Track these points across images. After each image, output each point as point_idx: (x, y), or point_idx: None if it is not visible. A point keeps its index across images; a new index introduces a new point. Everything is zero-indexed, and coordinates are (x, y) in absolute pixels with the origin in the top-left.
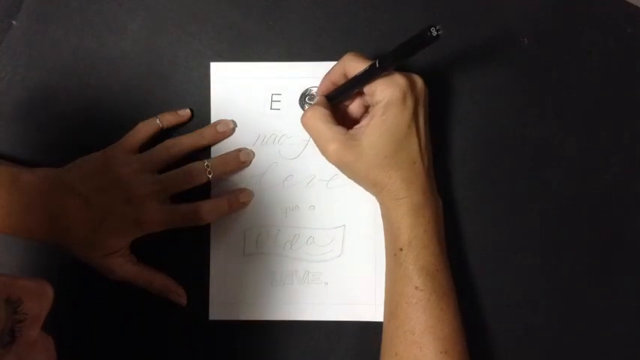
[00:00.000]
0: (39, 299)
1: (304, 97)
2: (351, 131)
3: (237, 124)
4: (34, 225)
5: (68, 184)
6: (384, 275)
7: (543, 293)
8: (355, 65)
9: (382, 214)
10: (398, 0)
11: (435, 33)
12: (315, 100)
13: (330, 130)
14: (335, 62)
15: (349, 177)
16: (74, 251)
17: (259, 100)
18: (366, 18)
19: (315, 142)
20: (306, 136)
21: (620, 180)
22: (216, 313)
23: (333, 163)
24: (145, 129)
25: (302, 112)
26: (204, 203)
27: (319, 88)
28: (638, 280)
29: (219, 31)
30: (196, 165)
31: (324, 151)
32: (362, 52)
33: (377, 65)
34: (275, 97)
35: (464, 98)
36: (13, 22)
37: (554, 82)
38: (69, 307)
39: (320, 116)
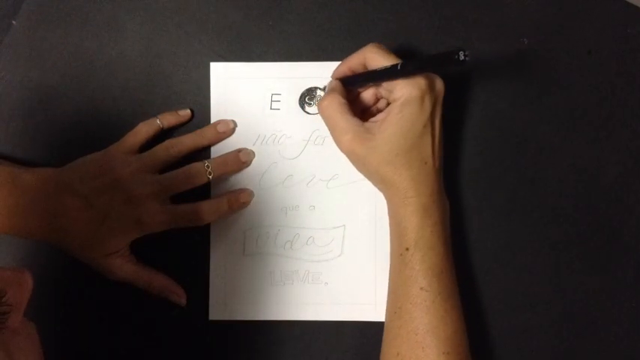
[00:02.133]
0: (19, 288)
1: (304, 97)
2: (367, 124)
3: (237, 124)
4: (34, 225)
5: (68, 184)
6: (384, 275)
7: (543, 293)
8: (376, 58)
9: (389, 212)
10: (398, 0)
11: (462, 57)
12: (330, 83)
13: (346, 121)
14: (334, 62)
15: (359, 170)
16: (74, 251)
17: (259, 100)
18: (366, 18)
19: (330, 130)
20: (306, 136)
21: (620, 180)
22: (216, 313)
23: (345, 154)
24: (145, 129)
25: (302, 112)
26: (204, 203)
27: (335, 71)
28: (638, 280)
29: (219, 31)
30: (196, 165)
31: (337, 141)
32: (384, 45)
33: (398, 68)
34: (275, 97)
35: (464, 98)
36: (13, 22)
37: (554, 82)
38: (69, 307)
39: (337, 106)
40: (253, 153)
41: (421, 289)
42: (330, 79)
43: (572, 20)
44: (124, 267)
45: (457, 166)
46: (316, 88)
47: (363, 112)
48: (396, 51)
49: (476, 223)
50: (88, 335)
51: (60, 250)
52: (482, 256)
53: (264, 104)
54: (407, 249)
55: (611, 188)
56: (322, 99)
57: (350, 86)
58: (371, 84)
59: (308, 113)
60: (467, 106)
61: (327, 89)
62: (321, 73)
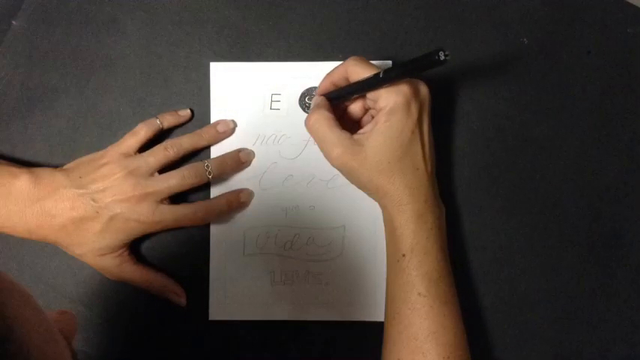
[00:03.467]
0: (70, 327)
1: (304, 97)
2: (355, 136)
3: (237, 124)
4: (34, 225)
5: (67, 184)
6: (384, 275)
7: (543, 293)
8: (358, 70)
9: (384, 220)
10: (398, 0)
11: (442, 57)
12: (315, 100)
13: (335, 135)
14: (334, 62)
15: (352, 182)
16: (73, 251)
17: (259, 100)
18: (366, 18)
19: (319, 146)
20: (306, 136)
21: (620, 180)
22: (216, 313)
23: (336, 168)
24: (145, 129)
25: (302, 112)
26: (203, 203)
27: (319, 87)
28: (638, 280)
29: (219, 31)
30: (196, 165)
31: (327, 156)
32: (365, 57)
33: (380, 76)
34: (275, 97)
35: (464, 98)
36: (13, 22)
37: (554, 82)
38: (69, 307)
39: (325, 121)
40: (253, 153)
41: (419, 294)
42: (315, 95)
43: (572, 20)
44: (123, 267)
45: (456, 167)
46: (316, 88)
47: (353, 125)
48: (395, 51)
49: (476, 224)
50: (88, 335)
51: (60, 249)
52: (482, 256)
53: (264, 104)
54: (403, 255)
55: (611, 188)
56: (309, 116)
57: (335, 101)
58: (356, 96)
59: (308, 113)
60: (466, 106)
61: (312, 106)
62: (321, 73)
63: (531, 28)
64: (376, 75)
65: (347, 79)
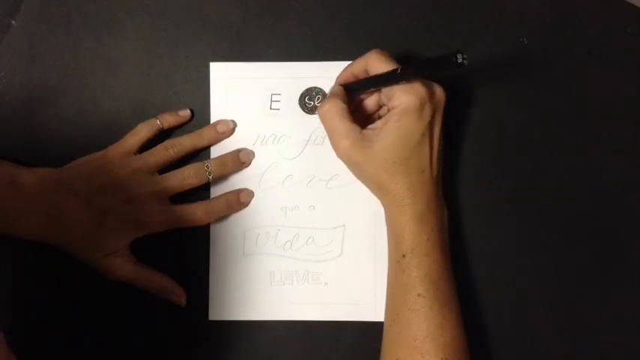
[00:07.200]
0: None
1: (304, 97)
2: (365, 131)
3: (237, 124)
4: (34, 225)
5: (68, 184)
6: (384, 275)
7: (543, 293)
8: (378, 64)
9: (386, 219)
10: (398, 0)
11: (460, 60)
12: (333, 88)
13: (345, 127)
14: (334, 62)
15: (356, 176)
16: (74, 251)
17: (259, 100)
18: (366, 18)
19: (328, 135)
20: (306, 136)
21: (620, 180)
22: (216, 313)
23: (341, 159)
24: (145, 129)
25: (302, 112)
26: (203, 204)
27: (339, 77)
28: (638, 280)
29: (219, 31)
30: (196, 166)
31: (335, 146)
32: (387, 51)
33: (397, 72)
34: (275, 97)
35: (464, 98)
36: (13, 22)
37: (554, 82)
38: (69, 307)
39: (337, 110)
40: (253, 153)
41: (418, 295)
42: (333, 83)
43: (572, 20)
44: (123, 267)
45: (457, 167)
46: (316, 88)
47: (366, 119)
48: (395, 51)
49: (476, 224)
50: (88, 335)
51: (60, 249)
52: (482, 257)
53: (264, 104)
54: (403, 256)
55: (611, 188)
56: (322, 103)
57: (352, 92)
58: (373, 90)
59: (308, 113)
60: (466, 107)
61: (328, 94)
62: (321, 73)
63: (531, 28)
64: (394, 71)
65: (367, 71)
